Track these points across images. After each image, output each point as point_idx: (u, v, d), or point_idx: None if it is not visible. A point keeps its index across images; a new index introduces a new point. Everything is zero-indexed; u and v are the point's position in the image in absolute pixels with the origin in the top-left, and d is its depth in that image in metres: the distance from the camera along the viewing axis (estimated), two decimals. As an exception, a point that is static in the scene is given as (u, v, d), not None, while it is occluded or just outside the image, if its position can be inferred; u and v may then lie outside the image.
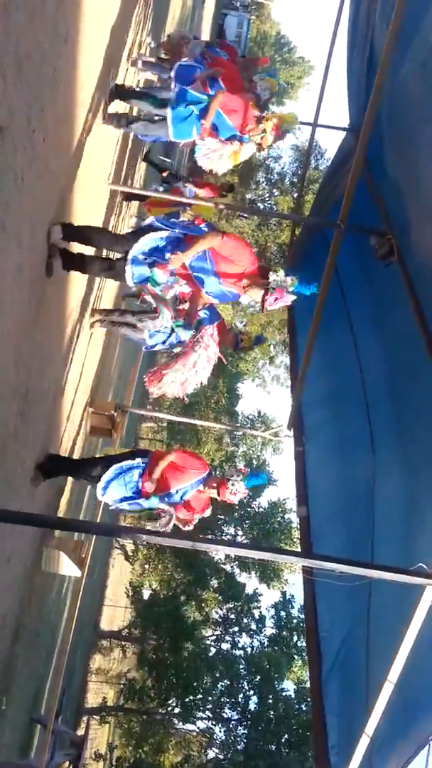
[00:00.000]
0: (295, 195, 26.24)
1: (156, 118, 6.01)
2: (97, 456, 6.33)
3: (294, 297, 4.51)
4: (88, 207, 5.49)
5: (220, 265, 4.47)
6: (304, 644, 23.78)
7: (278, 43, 54.12)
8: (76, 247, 4.59)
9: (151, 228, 4.58)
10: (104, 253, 5.57)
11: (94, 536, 6.64)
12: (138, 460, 5.41)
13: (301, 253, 8.79)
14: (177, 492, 5.32)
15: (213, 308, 5.37)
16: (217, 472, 11.64)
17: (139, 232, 4.67)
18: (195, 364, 4.89)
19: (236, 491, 5.40)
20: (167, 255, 4.38)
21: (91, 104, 5.10)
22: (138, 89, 6.43)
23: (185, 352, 4.94)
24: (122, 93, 6.06)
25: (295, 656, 25.38)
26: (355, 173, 5.07)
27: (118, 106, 6.24)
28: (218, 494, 5.43)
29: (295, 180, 30.09)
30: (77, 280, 5.55)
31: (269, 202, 31.98)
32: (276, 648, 25.71)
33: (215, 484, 5.43)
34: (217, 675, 24.65)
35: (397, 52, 4.30)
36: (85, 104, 4.84)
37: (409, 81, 4.57)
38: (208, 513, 5.64)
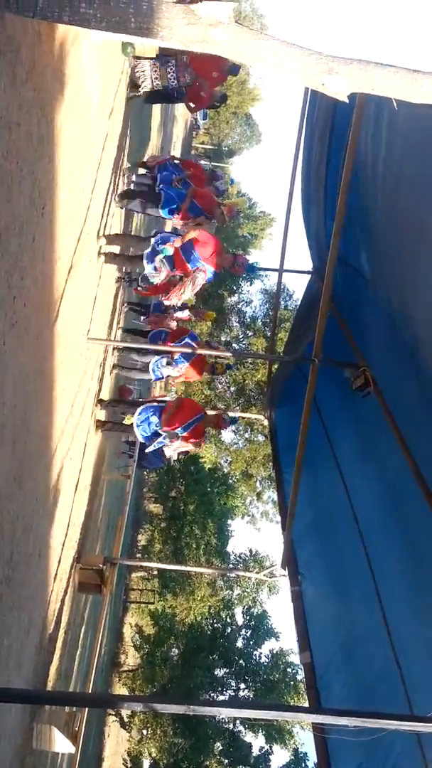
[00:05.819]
0: (268, 334, 27.21)
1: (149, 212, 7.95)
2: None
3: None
4: (68, 363, 5.62)
5: (198, 246, 6.68)
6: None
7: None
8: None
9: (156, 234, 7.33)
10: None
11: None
12: (155, 404, 7.99)
13: (280, 389, 8.97)
14: (185, 427, 7.55)
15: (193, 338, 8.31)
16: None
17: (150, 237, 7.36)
18: (195, 282, 6.81)
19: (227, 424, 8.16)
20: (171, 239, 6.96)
21: (70, 295, 5.36)
22: (134, 190, 8.39)
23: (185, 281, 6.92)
24: (125, 195, 8.03)
25: None
26: (323, 311, 5.32)
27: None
28: (216, 427, 8.13)
29: (267, 321, 31.27)
30: (58, 423, 5.56)
31: (243, 342, 33.02)
32: None
33: (213, 422, 7.98)
34: None
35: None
36: (63, 268, 5.07)
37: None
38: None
